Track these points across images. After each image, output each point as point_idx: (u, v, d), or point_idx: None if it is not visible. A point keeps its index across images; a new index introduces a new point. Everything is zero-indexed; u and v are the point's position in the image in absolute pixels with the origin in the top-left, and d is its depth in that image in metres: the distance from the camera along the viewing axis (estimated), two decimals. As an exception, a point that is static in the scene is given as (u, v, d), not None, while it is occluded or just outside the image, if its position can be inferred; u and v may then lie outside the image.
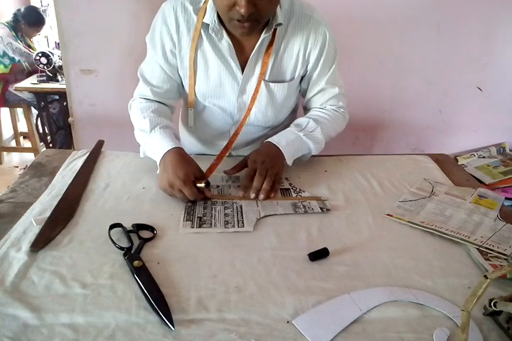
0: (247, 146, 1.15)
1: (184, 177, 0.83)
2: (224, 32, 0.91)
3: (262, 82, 0.98)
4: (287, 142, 0.95)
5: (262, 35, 0.92)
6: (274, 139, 0.97)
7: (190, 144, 1.16)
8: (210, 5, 0.90)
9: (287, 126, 1.04)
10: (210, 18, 0.90)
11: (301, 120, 1.02)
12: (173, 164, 0.86)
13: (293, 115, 1.15)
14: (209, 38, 0.94)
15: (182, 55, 0.98)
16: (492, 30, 1.89)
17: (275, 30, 0.93)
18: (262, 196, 0.87)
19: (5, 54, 2.78)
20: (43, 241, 0.71)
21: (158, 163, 0.90)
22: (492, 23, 1.87)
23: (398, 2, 1.81)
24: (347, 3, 1.78)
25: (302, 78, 1.04)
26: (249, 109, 1.02)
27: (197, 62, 0.97)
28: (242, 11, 0.78)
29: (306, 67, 1.00)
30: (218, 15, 0.89)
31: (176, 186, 0.84)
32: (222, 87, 1.00)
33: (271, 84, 0.99)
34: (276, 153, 0.94)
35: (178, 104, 1.13)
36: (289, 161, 0.96)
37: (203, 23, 0.92)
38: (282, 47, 0.96)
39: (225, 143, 1.06)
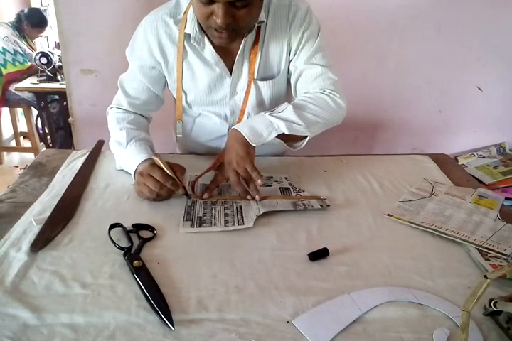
0: None
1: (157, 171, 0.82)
2: (206, 40, 0.91)
3: (252, 81, 0.97)
4: (251, 126, 0.88)
5: (245, 36, 0.90)
6: (238, 125, 0.90)
7: (189, 149, 1.17)
8: (190, 15, 0.89)
9: None
10: (191, 28, 0.89)
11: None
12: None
13: None
14: (192, 47, 0.93)
15: (170, 69, 0.97)
16: (492, 30, 1.88)
17: (259, 27, 0.92)
18: (257, 197, 0.86)
19: (16, 52, 2.79)
20: (43, 241, 0.71)
21: (132, 175, 0.89)
22: (492, 23, 1.87)
23: (398, 2, 1.81)
24: (347, 3, 1.78)
25: (289, 69, 1.00)
26: (243, 111, 1.01)
27: (184, 73, 0.96)
28: (219, 21, 0.77)
29: (289, 54, 0.97)
30: (199, 23, 0.88)
31: (149, 178, 0.82)
32: (213, 94, 1.00)
33: (260, 82, 0.98)
34: (240, 141, 0.86)
35: (172, 110, 1.12)
36: (257, 144, 0.87)
37: (185, 33, 0.91)
38: (266, 42, 0.94)
39: (222, 145, 1.06)
